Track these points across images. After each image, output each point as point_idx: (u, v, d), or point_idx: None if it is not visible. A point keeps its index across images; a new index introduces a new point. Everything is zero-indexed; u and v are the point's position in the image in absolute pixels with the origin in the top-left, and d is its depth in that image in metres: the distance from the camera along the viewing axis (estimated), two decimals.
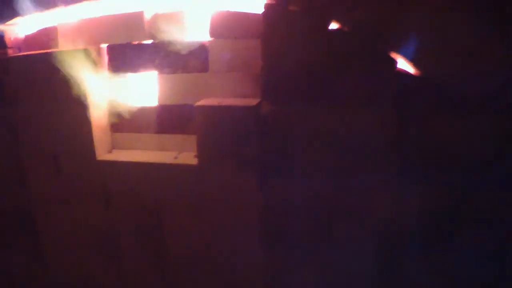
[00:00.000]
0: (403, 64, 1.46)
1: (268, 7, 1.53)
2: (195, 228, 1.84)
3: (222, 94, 1.84)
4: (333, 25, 1.49)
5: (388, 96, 1.46)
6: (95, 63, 1.90)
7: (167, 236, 1.92)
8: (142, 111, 1.99)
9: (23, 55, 2.01)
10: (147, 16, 1.85)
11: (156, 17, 1.84)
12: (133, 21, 1.85)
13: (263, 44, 1.57)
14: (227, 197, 1.76)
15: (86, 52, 1.87)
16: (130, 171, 1.91)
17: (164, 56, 1.87)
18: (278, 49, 1.55)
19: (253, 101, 1.67)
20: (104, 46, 1.97)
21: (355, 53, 1.47)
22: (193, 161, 1.81)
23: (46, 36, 2.03)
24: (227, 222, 1.79)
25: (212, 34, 1.78)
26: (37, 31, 2.06)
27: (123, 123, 2.05)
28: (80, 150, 1.98)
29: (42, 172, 2.06)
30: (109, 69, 1.98)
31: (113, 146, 2.11)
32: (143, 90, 1.98)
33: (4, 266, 2.30)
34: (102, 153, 2.01)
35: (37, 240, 2.18)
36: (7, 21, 1.93)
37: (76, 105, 1.91)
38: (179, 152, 1.94)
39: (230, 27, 1.74)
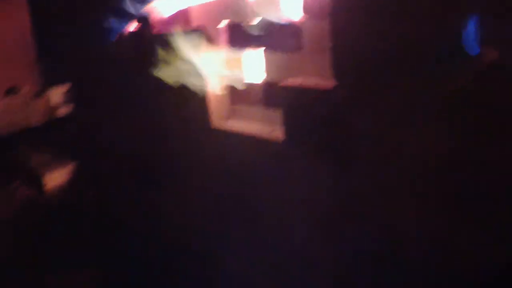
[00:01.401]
0: None
1: None
2: (273, 197, 2.18)
3: (316, 73, 2.06)
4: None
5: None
6: (213, 41, 2.38)
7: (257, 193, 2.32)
8: (252, 86, 2.39)
9: (167, 32, 2.65)
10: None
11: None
12: (239, 5, 2.22)
13: (331, 24, 1.72)
14: (304, 176, 2.03)
15: (202, 32, 2.36)
16: (233, 139, 2.36)
17: (265, 35, 2.19)
18: (346, 32, 1.68)
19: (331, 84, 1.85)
20: (221, 26, 2.41)
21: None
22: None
23: (182, 17, 2.61)
24: (302, 200, 2.06)
25: (305, 12, 2.00)
26: (175, 12, 2.66)
27: (238, 96, 2.50)
28: (200, 117, 2.54)
29: (177, 132, 2.73)
30: (225, 46, 2.42)
31: (233, 115, 2.60)
32: (254, 66, 2.36)
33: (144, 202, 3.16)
34: (217, 122, 2.51)
35: (175, 181, 2.93)
36: (149, 3, 2.58)
37: (197, 79, 2.44)
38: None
39: (322, 6, 1.92)
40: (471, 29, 1.35)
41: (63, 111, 9.68)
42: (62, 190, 6.38)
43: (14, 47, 8.88)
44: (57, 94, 9.63)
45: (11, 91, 9.02)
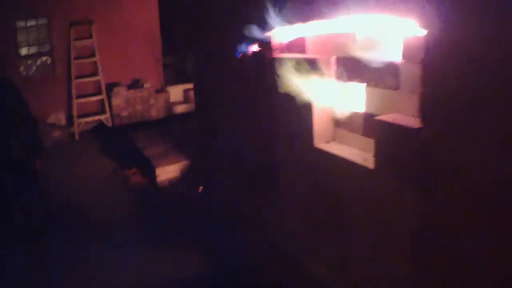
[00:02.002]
0: None
1: (427, 35, 2.04)
2: (366, 216, 2.60)
3: (409, 111, 2.44)
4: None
5: None
6: (323, 70, 2.86)
7: (346, 216, 2.75)
8: (354, 115, 2.83)
9: (284, 57, 3.19)
10: (359, 37, 2.63)
11: (364, 38, 2.60)
12: (349, 41, 2.67)
13: (423, 70, 2.10)
14: (389, 202, 2.42)
15: (315, 61, 2.85)
16: (331, 160, 2.82)
17: (368, 71, 2.62)
18: (434, 79, 2.06)
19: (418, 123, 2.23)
20: (333, 57, 2.88)
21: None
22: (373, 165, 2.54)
23: (300, 44, 3.13)
24: (389, 223, 2.45)
25: (404, 56, 2.39)
26: (294, 39, 3.18)
27: (342, 121, 2.95)
28: (305, 137, 3.03)
29: (284, 146, 3.26)
30: (334, 76, 2.89)
31: (334, 138, 3.05)
32: (357, 97, 2.80)
33: (248, 206, 3.70)
34: (319, 142, 2.98)
35: (277, 191, 3.46)
36: (271, 30, 3.12)
37: (306, 102, 2.94)
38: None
39: (419, 51, 2.30)
40: None
41: (181, 108, 10.81)
42: (172, 183, 7.29)
43: (143, 42, 10.13)
44: (177, 92, 10.79)
45: (135, 84, 10.31)
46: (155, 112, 10.83)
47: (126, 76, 10.50)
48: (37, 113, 8.95)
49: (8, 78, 5.66)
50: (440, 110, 2.05)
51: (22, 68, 9.68)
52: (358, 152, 2.76)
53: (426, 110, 2.10)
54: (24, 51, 9.57)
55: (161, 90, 10.98)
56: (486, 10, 1.77)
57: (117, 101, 10.26)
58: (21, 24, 9.34)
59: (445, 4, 1.89)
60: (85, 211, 6.46)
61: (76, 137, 9.96)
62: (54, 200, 6.55)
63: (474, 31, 1.82)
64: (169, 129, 9.36)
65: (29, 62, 9.89)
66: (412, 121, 2.27)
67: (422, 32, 2.05)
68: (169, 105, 11.10)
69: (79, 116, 9.91)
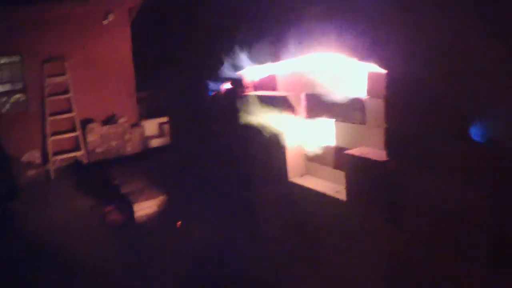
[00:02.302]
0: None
1: (387, 74, 2.19)
2: (339, 247, 2.69)
3: (376, 144, 2.57)
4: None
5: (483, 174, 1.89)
6: (294, 107, 2.98)
7: (322, 246, 2.84)
8: (325, 149, 2.95)
9: (256, 94, 3.31)
10: (326, 74, 2.78)
11: (329, 75, 2.74)
12: (317, 77, 2.82)
13: (385, 106, 2.24)
14: (363, 232, 2.53)
15: (286, 98, 2.98)
16: (305, 193, 2.92)
17: (336, 106, 2.75)
18: (397, 113, 2.20)
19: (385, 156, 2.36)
20: (302, 94, 3.02)
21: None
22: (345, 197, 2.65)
23: (270, 82, 3.26)
24: (361, 253, 2.55)
25: (369, 93, 2.54)
26: (265, 77, 3.32)
27: (314, 155, 3.06)
28: (279, 171, 3.13)
29: (258, 177, 3.36)
30: (304, 112, 3.02)
31: (307, 171, 3.16)
32: (327, 132, 2.93)
33: (227, 239, 3.75)
34: (293, 176, 3.09)
35: (255, 222, 3.54)
36: (243, 69, 3.26)
37: (278, 137, 3.05)
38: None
39: (383, 87, 2.44)
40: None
41: (157, 142, 10.83)
42: (150, 219, 7.26)
43: (116, 78, 10.21)
44: (152, 126, 10.83)
45: (110, 119, 10.33)
46: (131, 147, 10.83)
47: (101, 112, 10.52)
48: (11, 152, 8.88)
49: None
50: (403, 144, 2.18)
51: None
52: (331, 184, 2.88)
53: (390, 143, 2.24)
54: None
55: (136, 125, 11.01)
56: (438, 51, 1.93)
57: (92, 138, 10.24)
58: None
59: (401, 48, 2.05)
60: (62, 252, 6.37)
61: (52, 175, 9.86)
62: (31, 242, 6.46)
63: (429, 70, 1.97)
64: (145, 164, 9.35)
65: (3, 99, 9.84)
66: (379, 154, 2.39)
67: (382, 71, 2.20)
68: (145, 140, 11.12)
69: (54, 154, 9.84)
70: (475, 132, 1.83)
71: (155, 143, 11.13)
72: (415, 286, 2.29)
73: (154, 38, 8.81)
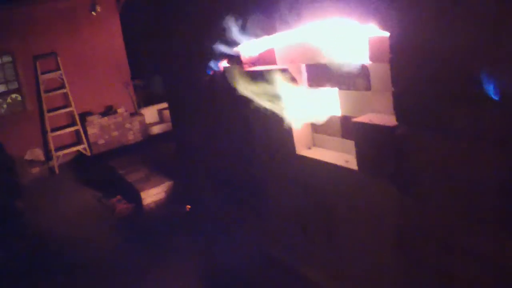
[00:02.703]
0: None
1: (390, 37, 2.12)
2: (353, 216, 2.67)
3: (383, 109, 2.52)
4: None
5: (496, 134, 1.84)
6: (294, 79, 2.92)
7: (335, 218, 2.82)
8: (331, 119, 2.90)
9: (255, 70, 3.25)
10: (326, 43, 2.71)
11: (330, 44, 2.68)
12: (317, 48, 2.75)
13: (391, 70, 2.18)
14: (376, 201, 2.49)
15: (286, 70, 2.92)
16: (315, 165, 2.88)
17: (338, 75, 2.69)
18: (405, 77, 2.14)
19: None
20: (302, 65, 2.95)
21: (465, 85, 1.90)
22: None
23: (269, 56, 3.19)
24: (373, 222, 2.52)
25: (371, 58, 2.47)
26: (264, 51, 3.25)
27: (321, 126, 3.01)
28: (286, 145, 3.09)
29: (265, 156, 3.31)
30: (306, 83, 2.96)
31: (315, 143, 3.12)
32: (331, 102, 2.87)
33: (236, 218, 3.74)
34: (301, 149, 3.04)
35: (263, 200, 3.51)
36: (239, 45, 3.18)
37: (281, 112, 3.00)
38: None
39: (385, 51, 2.38)
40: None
41: (158, 128, 10.80)
42: (159, 205, 7.27)
43: (111, 69, 10.12)
44: (152, 113, 10.78)
45: (108, 110, 10.27)
46: (132, 136, 10.80)
47: (99, 104, 10.47)
48: (13, 152, 8.86)
49: None
50: (412, 107, 2.13)
51: None
52: (340, 155, 2.84)
53: (399, 108, 2.18)
54: None
55: (135, 113, 10.96)
56: (441, 11, 1.86)
57: (92, 130, 10.20)
58: None
59: (403, 8, 1.98)
60: (72, 246, 6.39)
61: (56, 171, 9.86)
62: (39, 238, 6.48)
63: (434, 30, 1.90)
64: (148, 151, 9.34)
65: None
66: (387, 119, 2.34)
67: (385, 34, 2.13)
68: (145, 127, 11.08)
69: (57, 149, 9.82)
70: (486, 90, 1.78)
71: (156, 130, 11.11)
72: (427, 255, 2.26)
73: (144, 23, 8.68)
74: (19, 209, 5.94)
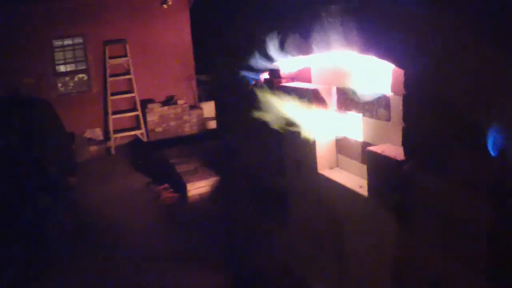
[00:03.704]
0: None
1: (404, 73, 2.23)
2: (360, 240, 2.79)
3: (400, 142, 2.61)
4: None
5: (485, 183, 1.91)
6: (324, 100, 3.07)
7: (345, 235, 2.94)
8: (354, 143, 3.02)
9: (289, 86, 3.42)
10: (355, 69, 2.83)
11: (358, 70, 2.80)
12: (348, 72, 2.88)
13: (403, 105, 2.28)
14: (379, 228, 2.60)
15: (317, 90, 3.07)
16: (332, 186, 3.02)
17: (364, 102, 2.81)
18: (415, 115, 2.24)
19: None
20: (333, 88, 3.09)
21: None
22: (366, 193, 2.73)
23: (305, 74, 3.35)
24: (375, 247, 2.63)
25: (393, 90, 2.58)
26: (301, 69, 3.41)
27: (343, 149, 3.14)
28: (309, 163, 3.24)
29: (291, 167, 3.48)
30: (335, 105, 3.09)
31: (338, 164, 3.25)
32: (355, 127, 3.00)
33: (263, 223, 3.92)
34: (322, 169, 3.18)
35: (286, 211, 3.68)
36: (278, 60, 3.36)
37: (309, 130, 3.16)
38: None
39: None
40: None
41: (214, 123, 11.17)
42: (203, 198, 7.59)
43: (176, 61, 10.56)
44: (211, 108, 11.16)
45: (169, 100, 10.74)
46: (189, 128, 11.23)
47: (160, 93, 10.97)
48: (74, 128, 9.51)
49: (43, 99, 6.13)
50: (418, 144, 2.23)
51: (59, 84, 10.30)
52: (357, 179, 2.95)
53: (406, 143, 2.29)
54: (61, 68, 10.19)
55: (194, 107, 11.38)
56: (451, 51, 1.95)
57: (151, 117, 10.71)
58: (58, 43, 9.95)
59: (415, 48, 2.08)
60: (117, 224, 6.84)
61: (112, 151, 10.45)
62: (88, 215, 6.97)
63: (442, 71, 2.00)
64: (202, 145, 9.71)
65: (67, 79, 10.51)
66: (398, 152, 2.44)
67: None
68: (203, 121, 11.48)
69: (115, 131, 10.42)
70: (486, 142, 1.85)
71: (212, 124, 11.49)
72: (418, 284, 2.35)
73: (213, 20, 9.03)
74: (71, 184, 6.43)
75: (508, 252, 1.87)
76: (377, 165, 2.53)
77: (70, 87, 10.50)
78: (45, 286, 5.17)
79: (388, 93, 2.61)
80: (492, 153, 1.84)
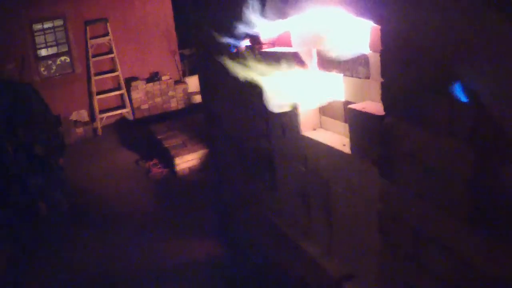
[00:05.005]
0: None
1: (381, 30, 2.25)
2: (346, 196, 2.84)
3: (379, 98, 2.64)
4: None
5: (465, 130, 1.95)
6: (304, 62, 3.08)
7: (331, 193, 3.00)
8: (336, 103, 3.05)
9: (270, 51, 3.42)
10: (332, 30, 2.84)
11: (336, 30, 2.81)
12: (327, 33, 2.89)
13: (381, 61, 2.31)
14: (364, 184, 2.65)
15: (297, 53, 3.08)
16: (315, 146, 3.06)
17: (343, 61, 2.83)
18: (392, 70, 2.26)
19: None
20: (314, 50, 3.10)
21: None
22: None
23: (285, 38, 3.35)
24: (361, 203, 2.69)
25: (371, 48, 2.59)
26: (281, 34, 3.41)
27: (326, 110, 3.17)
28: (293, 126, 3.27)
29: (275, 131, 3.51)
30: (316, 67, 3.11)
31: (321, 125, 3.28)
32: (337, 86, 3.02)
33: (251, 187, 3.97)
34: (306, 130, 3.22)
35: (274, 174, 3.73)
36: (258, 26, 3.35)
37: (291, 92, 3.17)
38: None
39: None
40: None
41: (200, 97, 11.17)
42: (192, 171, 7.62)
43: (158, 36, 10.44)
44: (196, 82, 11.12)
45: (154, 77, 10.65)
46: (175, 103, 11.19)
47: (144, 70, 10.88)
48: (60, 111, 9.43)
49: (27, 83, 6.07)
50: (396, 98, 2.26)
51: (42, 68, 10.17)
52: (340, 138, 2.99)
53: (385, 98, 2.32)
54: (43, 52, 10.04)
55: (179, 82, 11.32)
56: (424, 9, 1.97)
57: (136, 95, 10.66)
58: (38, 26, 9.79)
59: (392, 5, 2.10)
60: (109, 201, 6.88)
61: (99, 132, 10.41)
62: (80, 194, 6.99)
63: (417, 28, 2.02)
64: (189, 119, 9.70)
65: (49, 62, 10.37)
66: (379, 108, 2.48)
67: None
68: (188, 96, 11.44)
69: (101, 112, 10.36)
70: (458, 90, 1.89)
71: (198, 98, 11.46)
72: (401, 242, 2.41)
73: None
74: (60, 165, 6.42)
75: (488, 197, 1.93)
76: (358, 122, 2.57)
77: (53, 70, 10.37)
78: (44, 262, 5.22)
79: (367, 51, 2.63)
80: (462, 99, 1.88)
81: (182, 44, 11.59)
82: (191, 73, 11.83)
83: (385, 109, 2.37)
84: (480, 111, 1.86)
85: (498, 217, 1.94)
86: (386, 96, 2.34)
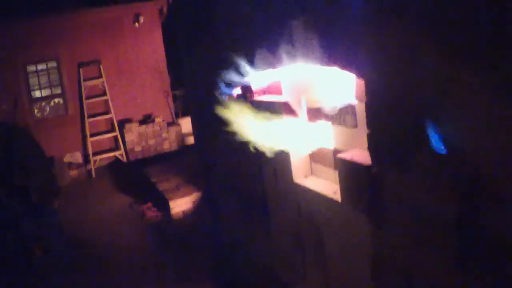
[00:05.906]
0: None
1: (364, 83, 2.39)
2: (337, 244, 2.92)
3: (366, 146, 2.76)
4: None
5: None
6: (294, 111, 3.22)
7: (324, 239, 3.08)
8: (326, 151, 3.17)
9: (261, 100, 3.56)
10: (321, 80, 2.99)
11: (324, 81, 2.96)
12: (316, 83, 3.04)
13: (367, 113, 2.44)
14: (354, 231, 2.74)
15: (287, 103, 3.21)
16: (307, 193, 3.16)
17: (331, 111, 2.97)
18: (377, 121, 2.39)
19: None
20: (303, 98, 3.24)
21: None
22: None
23: (276, 87, 3.50)
24: (353, 249, 2.77)
25: (358, 98, 2.73)
26: (272, 82, 3.56)
27: (317, 157, 3.29)
28: (285, 173, 3.38)
29: (269, 177, 3.61)
30: (305, 116, 3.24)
31: (312, 172, 3.39)
32: (326, 135, 3.15)
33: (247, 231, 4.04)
34: (298, 177, 3.32)
35: (268, 219, 3.81)
36: (249, 75, 3.51)
37: (283, 141, 3.30)
38: None
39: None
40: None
41: (192, 139, 11.25)
42: (186, 215, 7.67)
43: (151, 78, 10.65)
44: (189, 123, 11.26)
45: (147, 119, 10.79)
46: (168, 145, 11.29)
47: (137, 112, 11.03)
48: (53, 153, 9.51)
49: (20, 127, 6.17)
50: (382, 148, 2.38)
51: (36, 110, 10.30)
52: (331, 185, 3.09)
53: (371, 148, 2.44)
54: (37, 93, 10.20)
55: (172, 123, 11.46)
56: (398, 63, 2.12)
57: (130, 137, 10.76)
58: (32, 68, 9.98)
59: (371, 60, 2.25)
60: (103, 246, 6.89)
61: (93, 174, 10.45)
62: (73, 237, 7.01)
63: (393, 79, 2.16)
64: (182, 161, 9.77)
65: (43, 104, 10.51)
66: (367, 157, 2.59)
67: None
68: (181, 137, 11.56)
69: (95, 154, 10.43)
70: (436, 141, 2.01)
71: (191, 140, 11.57)
72: (396, 280, 2.49)
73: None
74: (55, 208, 6.47)
75: (474, 239, 2.02)
76: (347, 171, 2.68)
77: (47, 112, 10.50)
78: None
79: (354, 101, 2.77)
80: (438, 150, 2.00)
81: (174, 85, 11.79)
82: (184, 114, 11.97)
83: (372, 159, 2.48)
84: (458, 158, 1.98)
85: (485, 255, 2.04)
86: (373, 147, 2.46)
